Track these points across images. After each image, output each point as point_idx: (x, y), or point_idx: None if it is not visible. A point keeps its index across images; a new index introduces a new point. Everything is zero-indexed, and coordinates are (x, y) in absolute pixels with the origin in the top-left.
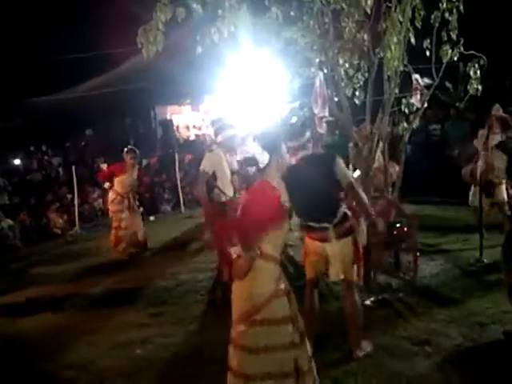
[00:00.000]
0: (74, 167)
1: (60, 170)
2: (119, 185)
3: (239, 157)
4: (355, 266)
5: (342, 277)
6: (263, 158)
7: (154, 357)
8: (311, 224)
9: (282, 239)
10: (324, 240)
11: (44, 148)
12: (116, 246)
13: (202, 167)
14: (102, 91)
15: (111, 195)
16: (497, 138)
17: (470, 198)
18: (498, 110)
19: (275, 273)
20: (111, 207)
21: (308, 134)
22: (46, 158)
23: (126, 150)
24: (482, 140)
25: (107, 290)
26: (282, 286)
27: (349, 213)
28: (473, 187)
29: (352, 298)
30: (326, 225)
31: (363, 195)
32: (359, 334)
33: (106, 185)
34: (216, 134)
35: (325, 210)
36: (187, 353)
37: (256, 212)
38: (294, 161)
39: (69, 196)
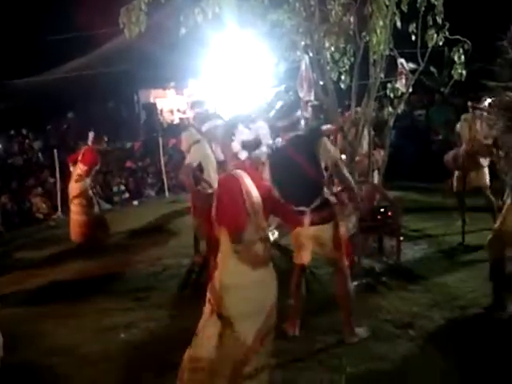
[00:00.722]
0: (55, 151)
1: (40, 154)
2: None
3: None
4: (336, 253)
5: (306, 261)
6: (267, 140)
7: (139, 341)
8: None
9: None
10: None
11: (24, 131)
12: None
13: (188, 160)
14: (83, 73)
15: (80, 187)
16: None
17: (455, 184)
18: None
19: None
20: (81, 199)
21: (298, 112)
22: (26, 141)
23: (91, 136)
24: (466, 124)
25: (91, 275)
26: None
27: (332, 199)
28: (456, 172)
29: (341, 283)
30: (303, 208)
31: (348, 174)
32: (351, 318)
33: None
34: (195, 118)
35: (304, 193)
36: (172, 337)
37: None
38: (283, 140)
39: (51, 180)
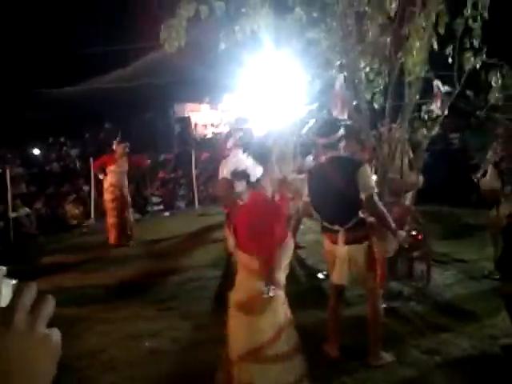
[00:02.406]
0: (91, 159)
1: (77, 161)
2: (111, 174)
3: (226, 170)
4: (369, 274)
5: (342, 282)
6: (255, 171)
7: (162, 350)
8: (325, 224)
9: (288, 259)
10: (334, 242)
11: (63, 139)
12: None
13: (222, 174)
14: (122, 85)
15: (105, 185)
16: None
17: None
18: None
19: (284, 300)
20: (105, 196)
21: (341, 132)
22: (64, 149)
23: (116, 140)
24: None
25: (119, 282)
26: (289, 313)
27: (368, 220)
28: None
29: (372, 306)
30: (337, 227)
31: (381, 207)
32: (378, 342)
33: (101, 176)
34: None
35: (340, 212)
36: (194, 347)
37: (268, 231)
38: (321, 159)
39: (85, 188)
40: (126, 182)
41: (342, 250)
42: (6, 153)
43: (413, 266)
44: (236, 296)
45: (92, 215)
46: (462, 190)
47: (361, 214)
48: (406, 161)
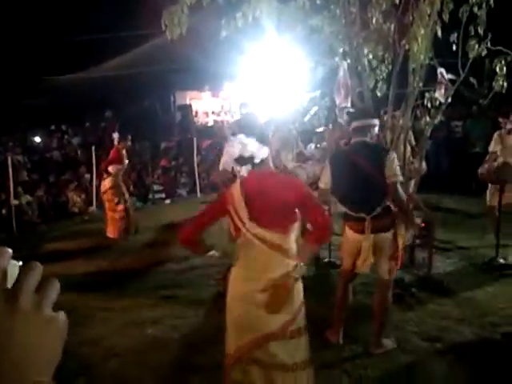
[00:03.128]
0: (93, 147)
1: (78, 150)
2: (116, 172)
3: (228, 156)
4: (390, 264)
5: (366, 270)
6: (260, 153)
7: (165, 337)
8: (350, 213)
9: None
10: (359, 231)
11: (64, 127)
12: (113, 230)
13: (223, 163)
14: (123, 72)
15: (109, 183)
16: None
17: (488, 198)
18: None
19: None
20: (109, 194)
21: (372, 120)
22: (65, 137)
23: (116, 137)
24: (499, 139)
25: (121, 270)
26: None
27: (393, 208)
28: (490, 186)
29: (382, 296)
30: (363, 215)
31: (404, 196)
32: (381, 331)
33: (105, 176)
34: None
35: (366, 200)
36: (197, 335)
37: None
38: (341, 145)
39: (87, 176)
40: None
41: (367, 238)
42: (7, 141)
43: (414, 254)
44: (252, 279)
45: (94, 203)
46: (463, 178)
47: (387, 202)
48: (408, 148)
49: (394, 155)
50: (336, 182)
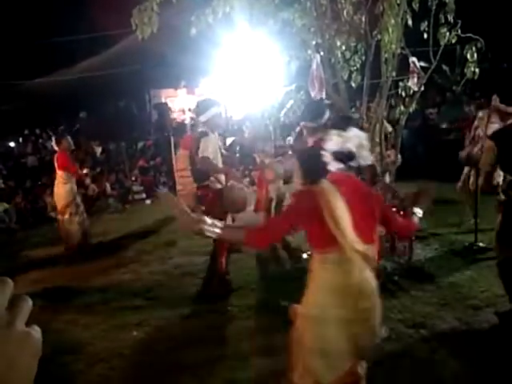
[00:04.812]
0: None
1: (53, 153)
2: (67, 179)
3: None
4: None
5: None
6: (363, 155)
7: (150, 339)
8: None
9: None
10: None
11: (38, 131)
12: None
13: (202, 153)
14: (95, 73)
15: (62, 192)
16: (494, 127)
17: (460, 184)
18: (495, 100)
19: None
20: (63, 206)
21: (327, 113)
22: (40, 141)
23: (53, 141)
24: (483, 123)
25: (103, 273)
26: None
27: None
28: (465, 170)
29: None
30: None
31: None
32: None
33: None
34: (197, 114)
35: None
36: (183, 336)
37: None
38: (311, 142)
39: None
40: None
41: None
42: None
43: (395, 242)
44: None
45: None
46: (439, 165)
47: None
48: (383, 138)
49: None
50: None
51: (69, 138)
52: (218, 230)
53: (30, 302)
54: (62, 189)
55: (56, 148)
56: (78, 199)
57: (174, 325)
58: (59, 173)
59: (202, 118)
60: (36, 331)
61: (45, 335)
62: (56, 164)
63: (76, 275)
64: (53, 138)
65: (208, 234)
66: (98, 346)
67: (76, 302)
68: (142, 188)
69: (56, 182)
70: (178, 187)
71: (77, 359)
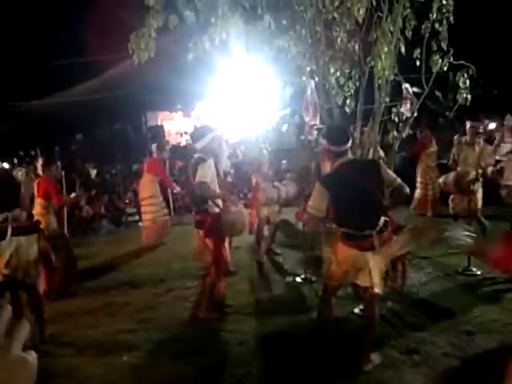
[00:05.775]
0: (63, 172)
1: None
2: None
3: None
4: (395, 274)
5: (368, 285)
6: None
7: (141, 364)
8: (352, 232)
9: None
10: (365, 248)
11: (33, 153)
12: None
13: (199, 179)
14: (92, 96)
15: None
16: (506, 146)
17: (451, 206)
18: (509, 120)
19: None
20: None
21: (351, 140)
22: (34, 163)
23: (40, 163)
24: (464, 147)
25: (94, 296)
26: None
27: (388, 221)
28: (452, 196)
29: (373, 310)
30: (369, 232)
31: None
32: (371, 346)
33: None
34: (194, 140)
35: (370, 216)
36: (175, 360)
37: None
38: (329, 166)
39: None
40: None
41: (375, 254)
42: None
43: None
44: None
45: (65, 229)
46: None
47: (384, 217)
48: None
49: (381, 162)
50: (338, 204)
51: (58, 164)
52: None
53: (28, 327)
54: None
55: (40, 172)
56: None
57: (166, 349)
58: (38, 201)
59: (199, 145)
60: (32, 357)
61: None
62: (36, 190)
63: (65, 297)
64: (39, 159)
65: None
66: (87, 371)
67: (66, 325)
68: (135, 210)
69: (34, 213)
70: (145, 217)
71: None
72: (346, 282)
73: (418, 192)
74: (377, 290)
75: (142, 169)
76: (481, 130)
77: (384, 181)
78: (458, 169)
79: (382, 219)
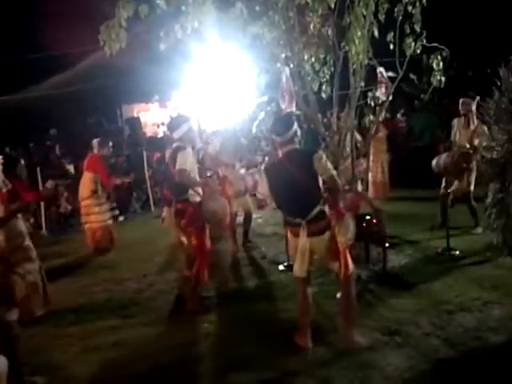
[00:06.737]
0: (38, 169)
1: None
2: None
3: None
4: (336, 264)
5: (303, 274)
6: None
7: (127, 360)
8: (288, 218)
9: None
10: (298, 235)
11: (8, 150)
12: None
13: (180, 166)
14: (65, 89)
15: None
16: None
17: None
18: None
19: None
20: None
21: (294, 127)
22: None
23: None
24: (457, 128)
25: (77, 293)
26: None
27: (327, 211)
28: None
29: (348, 291)
30: (299, 220)
31: (340, 184)
32: (350, 326)
33: None
34: (171, 131)
35: (301, 205)
36: (161, 355)
37: None
38: (278, 154)
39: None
40: None
41: (303, 242)
42: None
43: (369, 250)
44: None
45: (43, 226)
46: (409, 171)
47: (321, 206)
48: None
49: (319, 154)
50: (273, 191)
51: (22, 163)
52: None
53: None
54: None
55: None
56: (28, 241)
57: (152, 344)
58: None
59: (176, 135)
60: (2, 362)
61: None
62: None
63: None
64: None
65: None
66: (71, 369)
67: (48, 324)
68: (115, 204)
69: None
70: (85, 219)
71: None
72: (302, 270)
73: (370, 175)
74: (335, 270)
75: (82, 166)
76: (473, 107)
77: (317, 171)
78: (455, 149)
79: (317, 208)
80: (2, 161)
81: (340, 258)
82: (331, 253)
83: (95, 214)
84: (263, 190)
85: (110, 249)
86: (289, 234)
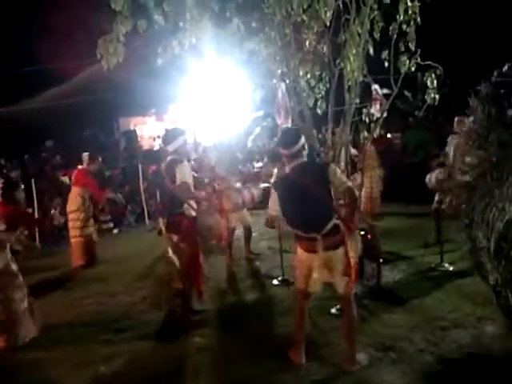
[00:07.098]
0: (33, 180)
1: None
2: None
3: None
4: (345, 279)
5: (317, 289)
6: None
7: (120, 374)
8: (300, 234)
9: None
10: (312, 251)
11: (3, 161)
12: None
13: (180, 180)
14: (62, 102)
15: None
16: None
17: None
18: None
19: None
20: None
21: (302, 140)
22: (4, 171)
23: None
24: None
25: (70, 306)
26: None
27: (341, 225)
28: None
29: (348, 313)
30: (314, 235)
31: (357, 196)
32: (354, 347)
33: None
34: (165, 144)
35: (315, 219)
36: (154, 369)
37: None
38: (287, 169)
39: (29, 210)
40: None
41: (320, 257)
42: None
43: (363, 265)
44: None
45: (37, 238)
46: (403, 187)
47: (335, 219)
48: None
49: (333, 167)
50: (284, 207)
51: (22, 187)
52: None
53: None
54: None
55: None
56: (13, 266)
57: (145, 358)
58: None
59: (170, 148)
60: None
61: (8, 373)
62: None
63: (39, 308)
64: None
65: None
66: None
67: (41, 338)
68: (109, 217)
69: None
70: (71, 233)
71: None
72: (315, 286)
73: (364, 191)
74: (340, 290)
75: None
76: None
77: (332, 184)
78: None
79: (332, 222)
80: (1, 185)
81: (351, 273)
82: (343, 268)
83: (78, 229)
84: (274, 205)
85: (91, 264)
86: (299, 250)
